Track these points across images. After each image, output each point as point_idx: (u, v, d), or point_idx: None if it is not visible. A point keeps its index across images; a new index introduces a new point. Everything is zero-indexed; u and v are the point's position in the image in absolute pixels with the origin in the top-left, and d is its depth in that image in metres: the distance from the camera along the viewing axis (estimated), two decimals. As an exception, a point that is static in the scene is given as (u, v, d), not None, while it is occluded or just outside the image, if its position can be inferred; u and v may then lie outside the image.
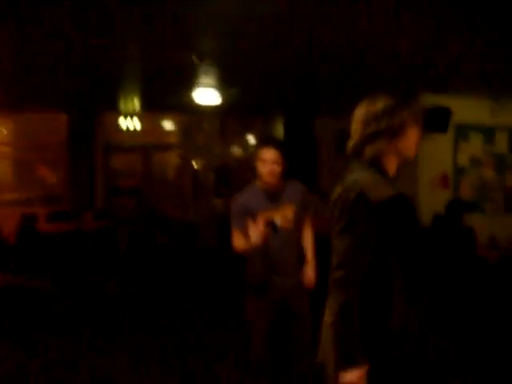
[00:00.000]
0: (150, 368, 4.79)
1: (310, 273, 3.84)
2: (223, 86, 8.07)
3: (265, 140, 3.91)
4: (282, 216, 3.52)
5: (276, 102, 10.34)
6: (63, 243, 8.84)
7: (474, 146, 8.41)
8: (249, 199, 3.68)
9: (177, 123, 12.44)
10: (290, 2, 4.58)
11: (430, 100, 8.00)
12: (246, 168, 12.39)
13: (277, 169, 3.57)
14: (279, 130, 11.62)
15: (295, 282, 3.76)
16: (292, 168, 3.82)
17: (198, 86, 8.15)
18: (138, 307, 6.73)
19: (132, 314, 6.44)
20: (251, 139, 12.90)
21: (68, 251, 8.82)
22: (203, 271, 8.57)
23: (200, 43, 5.98)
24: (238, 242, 3.62)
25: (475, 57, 6.24)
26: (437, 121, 7.82)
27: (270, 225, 3.41)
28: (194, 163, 12.85)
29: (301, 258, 3.88)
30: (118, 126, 11.32)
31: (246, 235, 3.49)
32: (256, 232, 3.36)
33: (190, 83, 8.00)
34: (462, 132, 8.27)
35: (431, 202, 8.06)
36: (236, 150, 13.13)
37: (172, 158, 12.99)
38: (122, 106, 10.40)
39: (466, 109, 8.16)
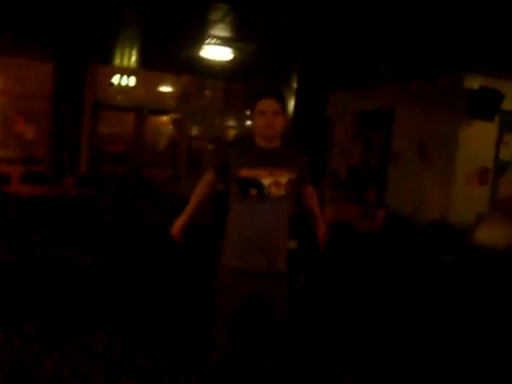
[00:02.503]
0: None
1: (321, 226, 3.29)
2: (235, 41, 6.88)
3: (263, 91, 3.13)
4: (274, 179, 2.89)
5: (290, 71, 9.18)
6: (36, 208, 7.71)
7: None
8: (238, 151, 3.05)
9: (176, 84, 11.22)
10: None
11: (474, 82, 6.89)
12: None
13: (277, 122, 2.96)
14: (289, 104, 10.46)
15: (276, 269, 2.99)
16: (301, 146, 3.23)
17: (208, 42, 6.98)
18: (111, 289, 5.63)
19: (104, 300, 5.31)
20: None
21: (41, 218, 7.70)
22: (192, 252, 7.47)
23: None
24: (205, 180, 3.15)
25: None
26: (484, 106, 6.71)
27: (255, 187, 2.86)
28: (191, 131, 11.71)
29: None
30: (110, 82, 10.12)
31: (215, 181, 3.13)
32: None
33: (198, 37, 6.84)
34: (508, 122, 7.16)
35: (467, 199, 7.00)
36: (239, 121, 11.99)
37: (167, 123, 11.82)
38: (117, 59, 9.19)
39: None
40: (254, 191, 2.87)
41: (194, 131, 11.84)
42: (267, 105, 2.95)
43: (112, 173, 10.20)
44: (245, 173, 2.89)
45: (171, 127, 11.77)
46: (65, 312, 4.87)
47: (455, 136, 7.05)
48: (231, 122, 12.23)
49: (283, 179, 2.91)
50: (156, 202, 9.36)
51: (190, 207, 3.15)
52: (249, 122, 11.92)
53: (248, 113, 11.63)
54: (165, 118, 11.72)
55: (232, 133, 12.16)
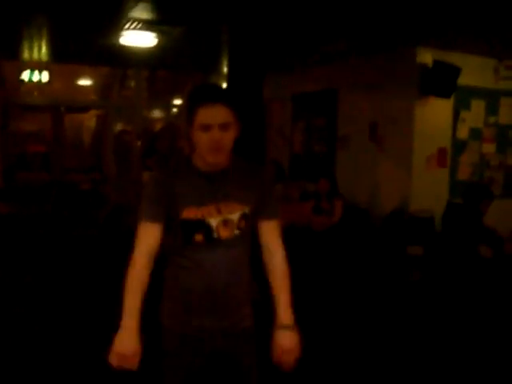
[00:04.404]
0: None
1: (283, 338, 2.15)
2: (158, 24, 6.04)
3: (204, 91, 2.12)
4: (223, 218, 2.12)
5: (220, 55, 8.39)
6: None
7: (476, 115, 6.80)
8: (175, 182, 2.12)
9: (96, 77, 10.24)
10: None
11: (427, 56, 6.31)
12: (181, 136, 10.50)
13: (227, 139, 2.05)
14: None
15: (239, 328, 2.22)
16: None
17: (127, 26, 6.12)
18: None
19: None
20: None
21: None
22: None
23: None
24: (144, 243, 2.08)
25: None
26: (440, 82, 6.14)
27: (202, 230, 2.10)
28: (115, 126, 10.78)
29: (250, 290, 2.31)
30: (20, 79, 9.07)
31: (160, 235, 2.11)
32: None
33: (115, 21, 5.96)
34: (463, 98, 6.63)
35: (427, 183, 6.46)
36: (166, 112, 11.16)
37: (89, 120, 10.85)
38: (26, 52, 8.14)
39: (468, 69, 6.47)
40: (199, 236, 2.10)
41: (120, 126, 10.93)
42: (212, 115, 2.00)
43: (31, 181, 9.17)
44: (188, 213, 2.09)
45: (94, 124, 10.82)
46: None
47: (410, 115, 6.47)
48: (159, 114, 11.39)
49: (234, 216, 2.13)
50: (85, 211, 8.43)
51: (133, 307, 2.02)
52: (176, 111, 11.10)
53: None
54: (86, 115, 10.75)
55: (160, 125, 11.33)
